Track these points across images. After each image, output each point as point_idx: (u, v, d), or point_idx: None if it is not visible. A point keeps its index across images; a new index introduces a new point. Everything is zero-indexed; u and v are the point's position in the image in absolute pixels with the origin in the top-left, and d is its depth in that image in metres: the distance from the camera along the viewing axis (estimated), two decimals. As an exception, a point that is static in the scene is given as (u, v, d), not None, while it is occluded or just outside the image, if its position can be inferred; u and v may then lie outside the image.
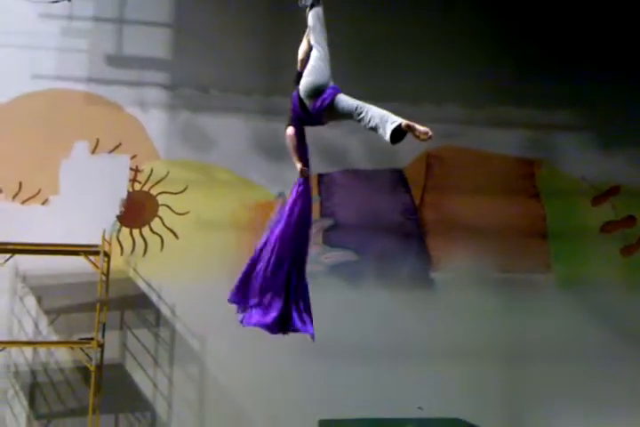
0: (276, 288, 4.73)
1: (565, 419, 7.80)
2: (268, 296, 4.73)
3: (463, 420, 7.34)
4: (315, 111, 4.75)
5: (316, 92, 4.72)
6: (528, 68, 8.72)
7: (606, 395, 7.94)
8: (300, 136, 4.93)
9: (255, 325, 4.77)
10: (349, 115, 4.60)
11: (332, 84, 4.75)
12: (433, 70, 8.57)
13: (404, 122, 4.36)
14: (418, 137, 4.35)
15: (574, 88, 8.71)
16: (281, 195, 8.22)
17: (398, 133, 4.37)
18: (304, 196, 4.88)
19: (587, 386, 7.96)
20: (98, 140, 7.95)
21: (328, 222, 8.21)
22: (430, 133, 4.33)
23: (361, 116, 4.50)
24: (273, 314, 4.68)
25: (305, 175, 4.91)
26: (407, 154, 8.44)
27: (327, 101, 4.67)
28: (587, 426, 7.64)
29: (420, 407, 7.63)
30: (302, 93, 4.77)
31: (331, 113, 4.72)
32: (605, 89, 8.71)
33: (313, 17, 4.82)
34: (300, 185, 4.90)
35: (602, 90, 8.72)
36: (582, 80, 8.71)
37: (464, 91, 8.58)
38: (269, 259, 4.75)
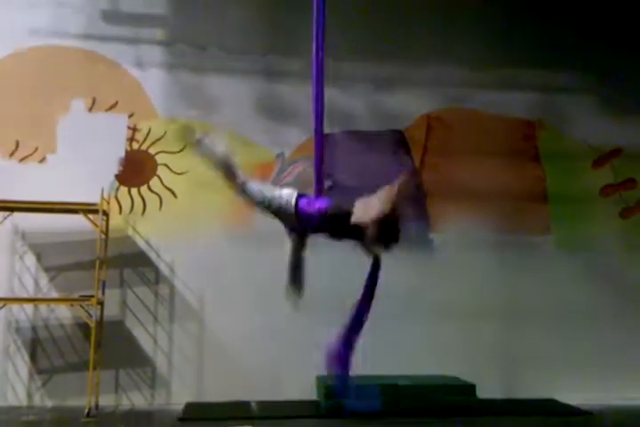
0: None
1: (562, 378, 7.86)
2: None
3: (458, 378, 7.44)
4: None
5: None
6: (534, 30, 8.58)
7: (603, 355, 8.00)
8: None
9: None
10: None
11: None
12: (437, 32, 8.44)
13: None
14: None
15: (579, 51, 8.59)
16: (280, 155, 8.18)
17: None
18: None
19: (584, 346, 8.02)
20: (95, 99, 7.85)
21: (327, 183, 8.15)
22: None
23: None
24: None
25: None
26: (408, 115, 8.38)
27: None
28: (583, 386, 7.70)
29: None
30: None
31: None
32: (611, 52, 8.59)
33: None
34: None
35: (607, 53, 8.60)
36: (587, 43, 8.59)
37: (468, 52, 8.43)
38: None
